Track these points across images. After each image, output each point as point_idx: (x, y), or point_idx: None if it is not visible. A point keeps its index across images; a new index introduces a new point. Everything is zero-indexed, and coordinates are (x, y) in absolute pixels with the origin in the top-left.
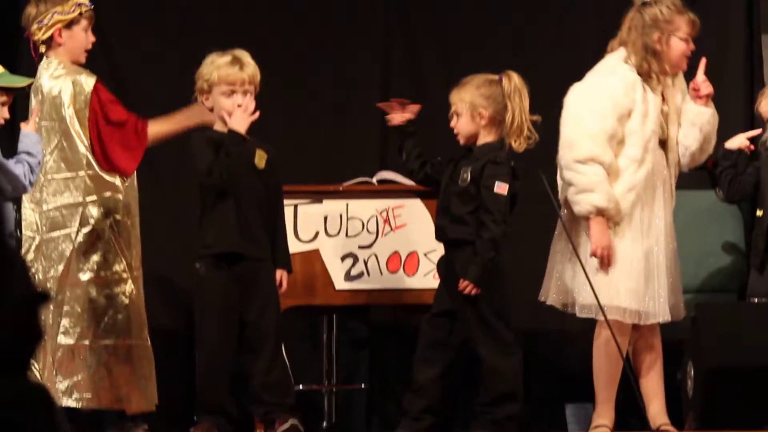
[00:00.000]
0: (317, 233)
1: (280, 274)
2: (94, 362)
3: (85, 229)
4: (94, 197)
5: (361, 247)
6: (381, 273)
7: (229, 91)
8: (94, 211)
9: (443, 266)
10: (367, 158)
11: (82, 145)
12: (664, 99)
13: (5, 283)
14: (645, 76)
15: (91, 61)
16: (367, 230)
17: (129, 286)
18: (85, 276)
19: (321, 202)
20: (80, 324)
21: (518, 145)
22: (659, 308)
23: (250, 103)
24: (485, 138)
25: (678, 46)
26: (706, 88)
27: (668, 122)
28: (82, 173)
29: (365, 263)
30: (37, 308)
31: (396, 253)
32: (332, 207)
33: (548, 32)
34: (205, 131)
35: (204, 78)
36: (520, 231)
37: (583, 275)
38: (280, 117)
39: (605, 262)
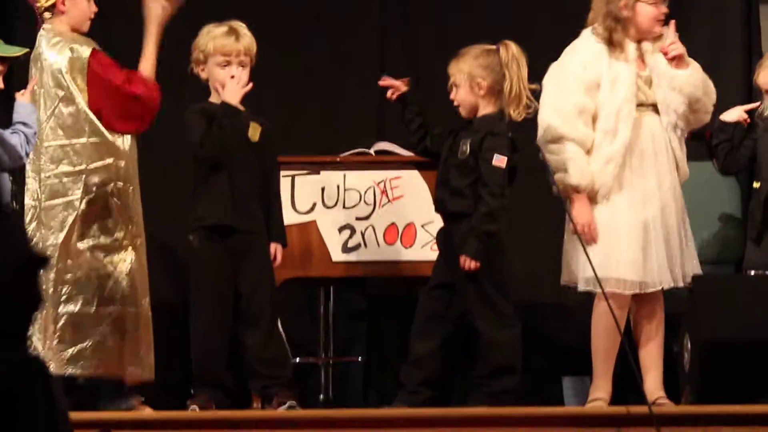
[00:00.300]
0: (314, 204)
1: (275, 248)
2: (98, 330)
3: (88, 197)
4: (96, 164)
5: (358, 219)
6: (378, 245)
7: (224, 62)
8: (96, 178)
9: (442, 238)
10: (365, 129)
11: (83, 112)
12: (644, 64)
13: (2, 246)
14: (611, 44)
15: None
16: (365, 201)
17: (130, 254)
18: (86, 244)
19: (318, 173)
20: (83, 292)
21: (517, 114)
22: (658, 276)
23: (243, 75)
24: (485, 109)
25: (644, 10)
26: (674, 49)
27: (653, 87)
28: (83, 140)
29: (362, 235)
30: (36, 272)
31: (393, 224)
32: (329, 178)
33: (548, 5)
34: (200, 103)
35: (200, 48)
36: (519, 204)
37: (583, 250)
38: (277, 88)
39: (588, 238)
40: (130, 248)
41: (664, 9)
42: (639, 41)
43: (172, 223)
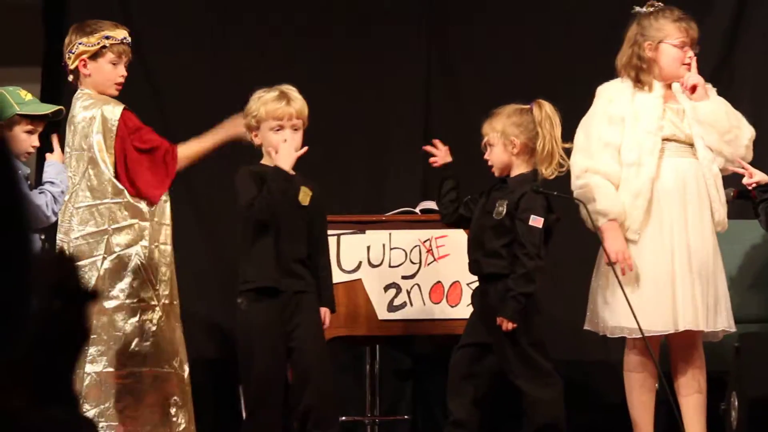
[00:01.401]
0: (360, 263)
1: (324, 312)
2: (120, 390)
3: (111, 257)
4: (119, 224)
5: (404, 277)
6: (424, 303)
7: (277, 126)
8: (119, 239)
9: (477, 298)
10: (410, 188)
11: (108, 173)
12: (677, 101)
13: (55, 278)
14: (638, 83)
15: (132, 87)
16: (410, 260)
17: (157, 314)
18: (111, 303)
19: (364, 232)
20: (107, 352)
21: (549, 172)
22: (682, 319)
23: (296, 138)
24: (519, 168)
25: (668, 51)
26: (689, 78)
27: (688, 123)
28: (107, 201)
29: (408, 293)
30: (86, 306)
31: (439, 283)
32: (375, 237)
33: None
34: (251, 166)
35: (252, 114)
36: (561, 258)
37: (602, 297)
38: (324, 148)
39: (623, 266)
40: (156, 309)
41: (690, 53)
42: (667, 84)
43: (217, 285)
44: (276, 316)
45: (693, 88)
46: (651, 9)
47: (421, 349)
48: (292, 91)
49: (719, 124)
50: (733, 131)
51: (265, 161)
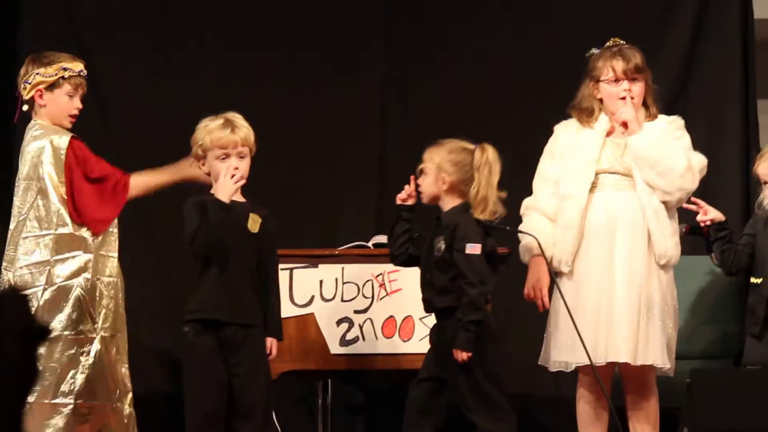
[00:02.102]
0: (312, 297)
1: (270, 342)
2: (53, 422)
3: (52, 288)
4: (62, 256)
5: (356, 312)
6: (376, 338)
7: (222, 154)
8: (61, 270)
9: (435, 334)
10: (363, 222)
11: (56, 204)
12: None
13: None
14: (580, 121)
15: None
16: (363, 294)
17: (95, 347)
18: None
19: (316, 266)
20: (41, 383)
21: (483, 217)
22: (609, 350)
23: (243, 166)
24: (449, 203)
25: (604, 89)
26: (622, 113)
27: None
28: (52, 232)
29: (361, 328)
30: (37, 345)
31: (391, 317)
32: (328, 271)
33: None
34: (196, 197)
35: (198, 143)
36: (513, 292)
37: (549, 332)
38: (276, 181)
39: (538, 302)
40: (95, 341)
41: (624, 86)
42: (612, 118)
43: (170, 314)
44: (219, 350)
45: (624, 124)
46: (594, 52)
47: (374, 384)
48: (237, 118)
49: (649, 157)
50: (664, 162)
51: (213, 190)
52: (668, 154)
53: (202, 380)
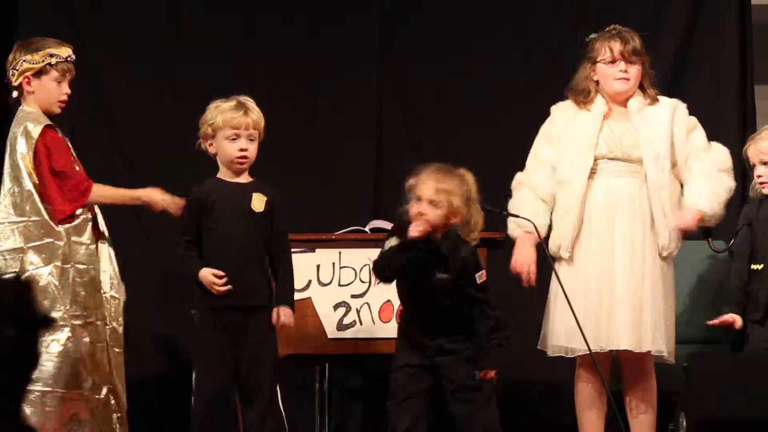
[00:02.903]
0: (310, 282)
1: (277, 310)
2: (23, 410)
3: (23, 275)
4: (34, 243)
5: (353, 296)
6: (373, 322)
7: (233, 135)
8: (33, 257)
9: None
10: (360, 207)
11: (28, 190)
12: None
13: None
14: (577, 104)
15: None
16: (360, 279)
17: (65, 334)
18: None
19: (314, 251)
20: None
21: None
22: (615, 339)
23: (252, 148)
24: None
25: (602, 70)
26: (679, 225)
27: (639, 143)
28: (26, 219)
29: (358, 312)
30: (38, 332)
31: (388, 302)
32: (325, 256)
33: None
34: (201, 185)
35: (208, 123)
36: (508, 277)
37: (548, 316)
38: (273, 165)
39: (525, 278)
40: (66, 329)
41: (621, 66)
42: (615, 101)
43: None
44: (226, 334)
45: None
46: (594, 36)
47: (371, 368)
48: (249, 101)
49: (718, 206)
50: (723, 195)
51: (220, 174)
52: (720, 189)
53: (209, 362)
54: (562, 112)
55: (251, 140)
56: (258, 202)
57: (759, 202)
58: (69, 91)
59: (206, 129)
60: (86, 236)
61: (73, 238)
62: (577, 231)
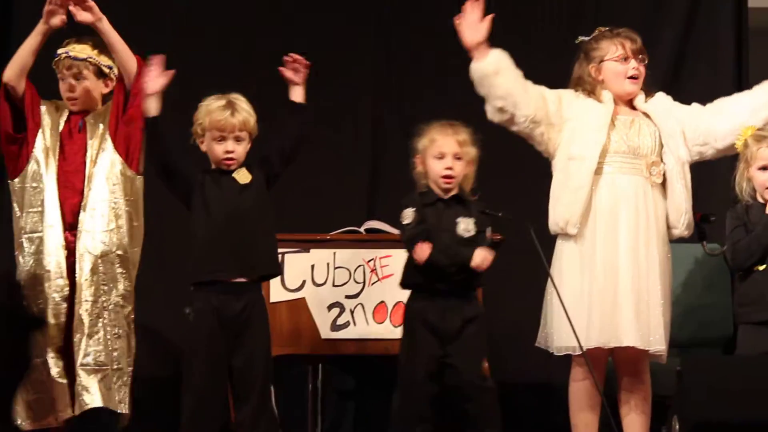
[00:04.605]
0: (304, 282)
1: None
2: None
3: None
4: None
5: (347, 297)
6: (367, 323)
7: (219, 136)
8: None
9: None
10: (355, 208)
11: None
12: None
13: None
14: (588, 94)
15: None
16: (354, 280)
17: None
18: None
19: (308, 251)
20: None
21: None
22: (616, 333)
23: (239, 149)
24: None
25: (610, 67)
26: None
27: (639, 135)
28: None
29: (352, 313)
30: (28, 333)
31: (383, 303)
32: (319, 256)
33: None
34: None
35: (198, 122)
36: (508, 281)
37: (551, 316)
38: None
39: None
40: None
41: (633, 64)
42: (622, 101)
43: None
44: (220, 330)
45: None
46: (594, 34)
47: (364, 369)
48: (239, 101)
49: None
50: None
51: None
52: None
53: (201, 362)
54: (568, 92)
55: (238, 141)
56: (242, 176)
57: (747, 206)
58: (64, 87)
59: (196, 128)
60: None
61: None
62: (587, 207)
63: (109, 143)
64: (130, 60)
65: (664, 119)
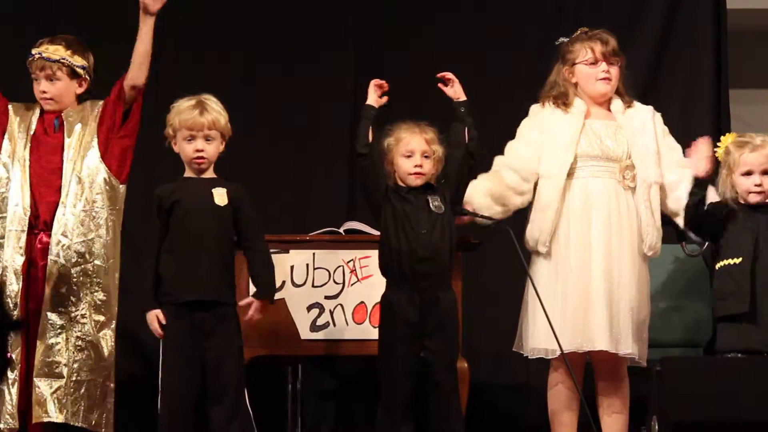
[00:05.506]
0: (284, 283)
1: (248, 301)
2: None
3: None
4: None
5: (327, 297)
6: (347, 323)
7: (189, 136)
8: None
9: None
10: (334, 208)
11: None
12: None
13: None
14: (556, 106)
15: None
16: (334, 280)
17: None
18: None
19: (287, 251)
20: None
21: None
22: (595, 339)
23: (210, 149)
24: None
25: (582, 70)
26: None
27: (625, 142)
28: None
29: (331, 313)
30: (8, 336)
31: (362, 303)
32: (299, 257)
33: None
34: (168, 184)
35: (169, 123)
36: (486, 284)
37: (526, 319)
38: (247, 166)
39: None
40: None
41: (603, 67)
42: (596, 102)
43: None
44: (193, 332)
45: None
46: (573, 36)
47: (344, 369)
48: (209, 101)
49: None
50: None
51: (186, 173)
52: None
53: (174, 362)
54: (541, 108)
55: (208, 140)
56: (219, 197)
57: (729, 211)
58: (39, 88)
59: (168, 129)
60: None
61: None
62: (555, 226)
63: (94, 152)
64: (144, 70)
65: (638, 136)
